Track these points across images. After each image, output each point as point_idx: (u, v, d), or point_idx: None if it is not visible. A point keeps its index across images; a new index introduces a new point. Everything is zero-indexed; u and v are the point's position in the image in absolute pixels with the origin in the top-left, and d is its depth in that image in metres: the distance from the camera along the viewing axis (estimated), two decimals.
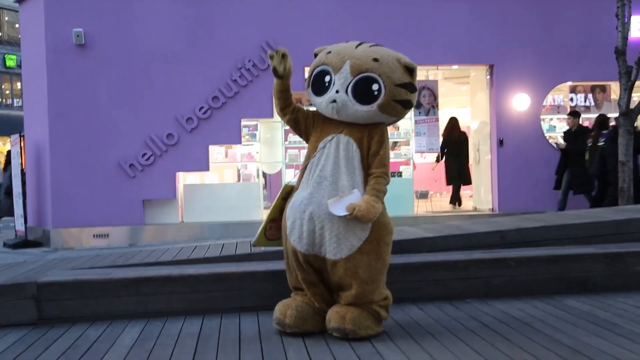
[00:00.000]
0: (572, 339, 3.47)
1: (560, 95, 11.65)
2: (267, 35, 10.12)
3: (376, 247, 3.59)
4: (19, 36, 28.20)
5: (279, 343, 3.59)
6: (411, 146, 11.20)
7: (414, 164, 11.40)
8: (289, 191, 3.83)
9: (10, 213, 11.66)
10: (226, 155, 11.03)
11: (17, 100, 32.28)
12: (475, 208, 11.60)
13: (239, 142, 10.50)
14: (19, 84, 32.15)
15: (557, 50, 10.79)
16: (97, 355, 3.47)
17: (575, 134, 9.95)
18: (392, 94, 3.58)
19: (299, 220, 3.57)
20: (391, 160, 11.45)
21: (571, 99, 11.53)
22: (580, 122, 10.32)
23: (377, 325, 3.69)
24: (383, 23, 10.47)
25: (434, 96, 11.05)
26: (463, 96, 13.46)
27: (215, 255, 5.11)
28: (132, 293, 4.31)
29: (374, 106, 3.59)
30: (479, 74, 11.46)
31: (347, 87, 3.58)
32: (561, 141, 10.21)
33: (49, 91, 9.91)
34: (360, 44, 3.75)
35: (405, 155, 11.29)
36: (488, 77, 11.05)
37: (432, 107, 11.03)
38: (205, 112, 10.09)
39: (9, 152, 12.18)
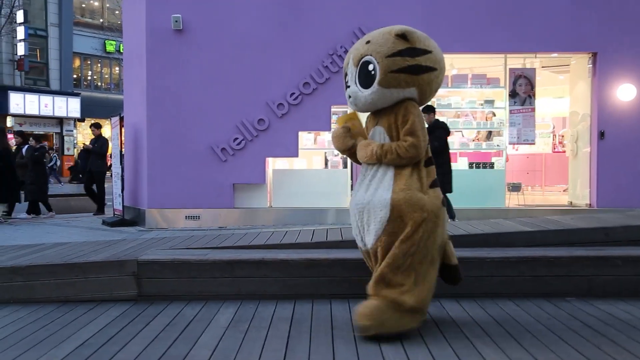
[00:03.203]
0: None
1: None
2: (359, 21, 10.04)
3: (403, 227, 3.43)
4: (119, 22, 29.48)
5: None
6: (504, 137, 10.84)
7: (506, 155, 11.03)
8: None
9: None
10: (315, 142, 11.07)
11: (115, 84, 33.77)
12: (571, 203, 11.09)
13: (329, 129, 10.50)
14: (117, 68, 33.65)
15: None
16: (195, 334, 3.56)
17: None
18: (387, 66, 3.52)
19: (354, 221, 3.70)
20: (483, 150, 10.95)
21: None
22: None
23: (402, 319, 3.41)
24: (477, 9, 10.15)
25: (531, 85, 10.62)
26: (561, 85, 12.87)
27: (306, 241, 5.13)
28: (226, 274, 4.40)
29: (375, 86, 3.57)
30: (580, 62, 10.91)
31: (355, 79, 3.67)
32: None
33: (147, 75, 10.24)
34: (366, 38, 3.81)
35: (497, 146, 10.94)
36: (590, 65, 10.49)
37: (529, 96, 10.61)
38: (296, 98, 10.15)
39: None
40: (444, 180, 8.86)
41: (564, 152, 12.65)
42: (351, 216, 3.70)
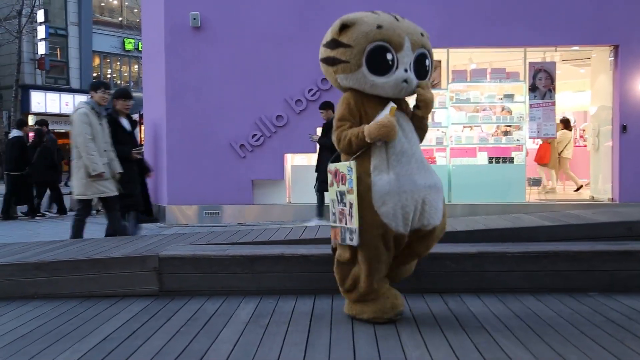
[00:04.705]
0: None
1: None
2: None
3: None
4: (138, 20, 29.67)
5: (391, 327, 3.55)
6: (524, 131, 10.75)
7: (526, 150, 10.94)
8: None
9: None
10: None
11: (134, 82, 34.03)
12: (593, 197, 10.98)
13: None
14: (136, 66, 33.89)
15: None
16: (216, 329, 3.58)
17: None
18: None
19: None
20: (503, 145, 10.94)
21: None
22: None
23: None
24: (496, 3, 10.07)
25: (551, 79, 10.52)
26: (582, 79, 12.72)
27: (325, 236, 5.13)
28: (246, 270, 4.42)
29: (427, 80, 3.65)
30: (601, 55, 10.78)
31: (410, 67, 3.54)
32: None
33: (166, 72, 10.32)
34: (395, 16, 3.62)
35: (517, 140, 10.85)
36: (612, 58, 10.36)
37: (549, 90, 10.50)
38: (314, 94, 10.15)
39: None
40: None
41: (585, 146, 12.51)
42: (396, 200, 3.42)
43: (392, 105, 3.48)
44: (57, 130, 27.66)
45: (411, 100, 3.74)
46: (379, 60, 3.47)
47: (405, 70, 3.51)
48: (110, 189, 6.34)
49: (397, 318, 3.64)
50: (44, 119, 13.23)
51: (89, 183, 6.19)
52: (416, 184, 3.47)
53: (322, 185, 9.01)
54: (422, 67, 3.58)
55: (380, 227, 3.44)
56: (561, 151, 12.15)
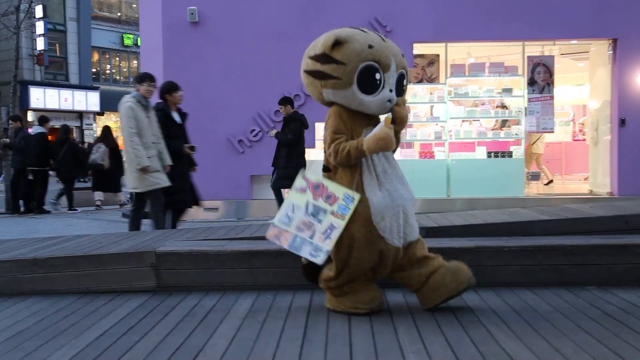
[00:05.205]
0: None
1: None
2: (377, 12, 9.98)
3: None
4: (136, 16, 29.64)
5: (388, 321, 3.56)
6: (522, 125, 10.75)
7: (525, 144, 10.94)
8: None
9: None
10: None
11: (133, 77, 33.97)
12: (592, 191, 10.99)
13: None
14: (135, 62, 33.85)
15: None
16: (213, 324, 3.59)
17: None
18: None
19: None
20: (501, 139, 10.99)
21: None
22: None
23: None
24: None
25: (550, 73, 10.52)
26: (581, 72, 12.71)
27: None
28: (243, 265, 4.42)
29: (403, 98, 3.77)
30: (599, 48, 10.77)
31: (393, 86, 3.63)
32: None
33: (164, 68, 10.31)
34: (381, 36, 3.70)
35: (515, 134, 10.85)
36: (610, 52, 10.36)
37: (547, 84, 10.50)
38: None
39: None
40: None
41: (584, 140, 12.52)
42: (392, 214, 3.56)
43: (387, 115, 3.59)
44: (57, 127, 27.66)
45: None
46: (368, 79, 3.55)
47: (390, 90, 3.62)
48: (163, 180, 6.40)
49: (377, 310, 3.72)
50: (44, 116, 13.29)
51: (141, 176, 6.22)
52: (403, 198, 3.63)
53: (279, 182, 8.93)
54: (401, 86, 3.70)
55: (379, 242, 3.56)
56: (532, 144, 12.02)
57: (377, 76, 3.55)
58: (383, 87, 3.59)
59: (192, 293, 4.34)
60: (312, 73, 3.68)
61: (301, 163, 8.80)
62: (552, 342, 3.14)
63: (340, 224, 3.49)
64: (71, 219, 10.71)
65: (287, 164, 8.71)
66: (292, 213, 3.64)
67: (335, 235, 3.50)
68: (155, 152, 6.35)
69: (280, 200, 9.09)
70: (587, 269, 4.34)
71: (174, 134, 6.72)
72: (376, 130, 3.53)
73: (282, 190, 8.88)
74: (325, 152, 3.71)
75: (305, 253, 3.57)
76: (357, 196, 3.53)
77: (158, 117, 6.57)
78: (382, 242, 3.56)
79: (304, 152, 9.02)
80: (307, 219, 3.58)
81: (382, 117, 3.59)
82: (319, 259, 3.53)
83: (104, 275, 4.44)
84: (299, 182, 3.69)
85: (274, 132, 9.20)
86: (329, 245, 3.51)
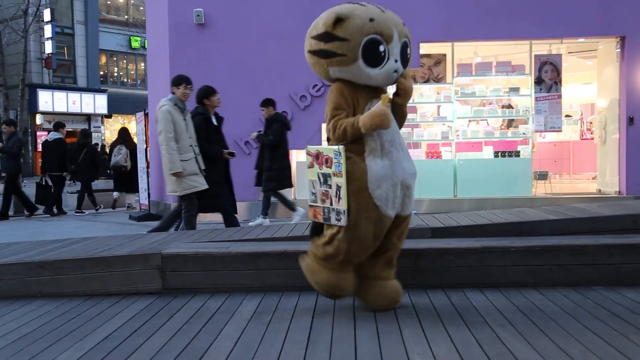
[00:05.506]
0: None
1: None
2: None
3: None
4: (144, 18, 29.74)
5: (393, 322, 3.54)
6: (530, 125, 10.69)
7: (533, 143, 10.88)
8: None
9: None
10: None
11: (141, 80, 34.11)
12: (600, 191, 10.92)
13: None
14: (142, 64, 33.97)
15: None
16: (218, 326, 3.58)
17: None
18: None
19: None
20: (508, 139, 10.92)
21: None
22: None
23: None
24: None
25: (557, 71, 10.46)
26: (589, 71, 12.64)
27: None
28: (249, 267, 4.42)
29: (407, 69, 3.76)
30: (607, 46, 10.70)
31: (398, 56, 3.63)
32: None
33: (170, 70, 10.31)
34: (380, 7, 3.68)
35: (523, 134, 10.79)
36: (618, 50, 10.29)
37: (555, 83, 10.44)
38: (318, 90, 10.14)
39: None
40: (283, 175, 8.80)
41: (592, 139, 12.44)
42: (389, 184, 3.55)
43: (385, 94, 3.59)
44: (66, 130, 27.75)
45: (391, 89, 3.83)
46: (373, 52, 3.55)
47: (395, 61, 3.61)
48: (201, 183, 6.43)
49: (335, 299, 3.89)
50: (59, 121, 13.51)
51: (179, 180, 6.24)
52: (405, 171, 3.64)
53: (268, 184, 8.92)
54: (405, 56, 3.69)
55: (373, 210, 3.54)
56: None
57: (382, 48, 3.55)
58: (388, 58, 3.58)
59: (198, 295, 4.34)
60: (316, 52, 3.68)
61: (285, 164, 8.83)
62: (559, 342, 3.11)
63: (342, 182, 3.53)
64: (79, 222, 10.75)
65: (271, 166, 8.77)
66: (314, 188, 3.73)
67: (343, 193, 3.53)
68: (192, 154, 6.37)
69: (281, 199, 9.11)
70: (595, 269, 4.31)
71: (214, 139, 6.74)
72: (373, 106, 3.56)
73: (272, 191, 8.95)
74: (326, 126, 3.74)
75: (334, 221, 3.61)
76: (341, 148, 3.52)
77: (199, 122, 6.58)
78: (377, 210, 3.55)
79: (287, 154, 9.06)
80: (323, 189, 3.65)
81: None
82: (343, 221, 3.54)
83: (110, 278, 4.45)
84: (306, 159, 3.78)
85: (255, 134, 9.23)
86: (342, 205, 3.53)
